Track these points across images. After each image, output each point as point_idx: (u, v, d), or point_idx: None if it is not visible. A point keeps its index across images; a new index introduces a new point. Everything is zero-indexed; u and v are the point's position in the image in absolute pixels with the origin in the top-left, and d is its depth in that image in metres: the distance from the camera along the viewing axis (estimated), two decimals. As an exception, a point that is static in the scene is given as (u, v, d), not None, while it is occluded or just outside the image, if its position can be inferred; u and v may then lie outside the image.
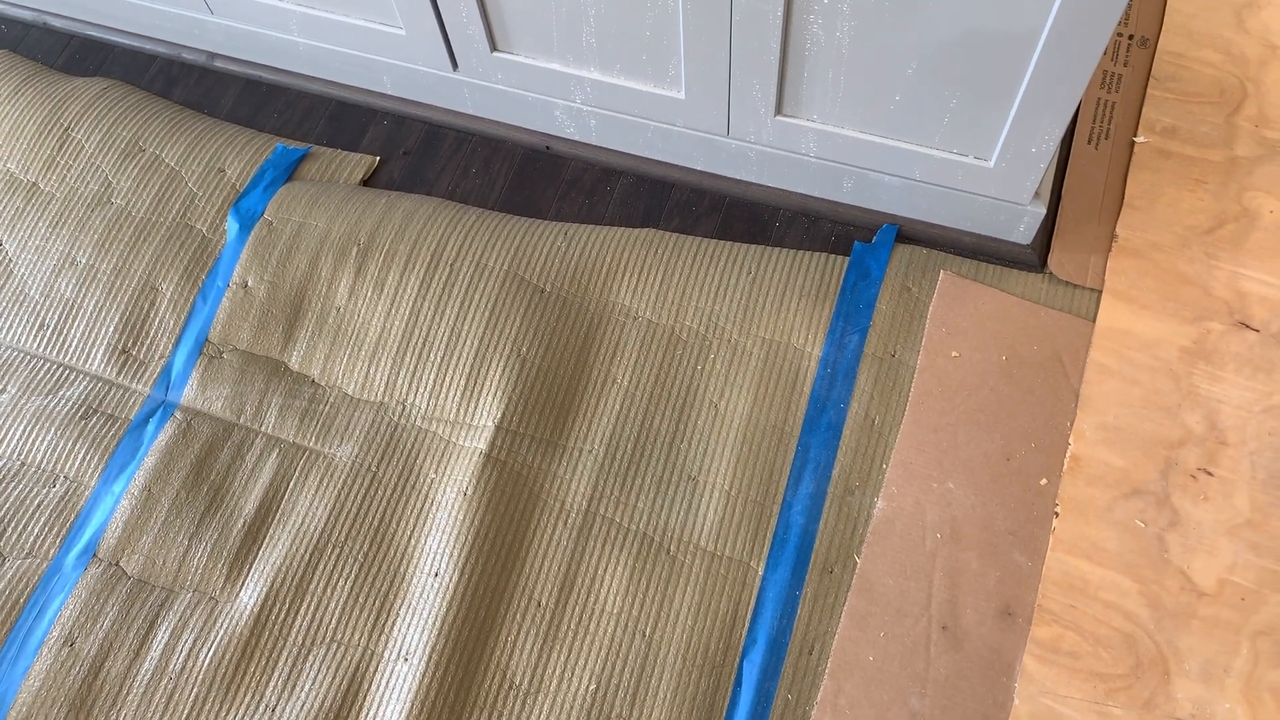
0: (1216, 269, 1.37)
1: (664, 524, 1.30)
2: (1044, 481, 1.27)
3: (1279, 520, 1.22)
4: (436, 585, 1.26)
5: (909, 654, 1.20)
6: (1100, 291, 1.37)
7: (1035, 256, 1.40)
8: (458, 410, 1.37)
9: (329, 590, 1.28)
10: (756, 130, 1.38)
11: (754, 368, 1.37)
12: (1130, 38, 1.55)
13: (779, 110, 1.33)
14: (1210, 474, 1.25)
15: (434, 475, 1.33)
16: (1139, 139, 1.47)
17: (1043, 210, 1.34)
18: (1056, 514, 1.25)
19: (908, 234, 1.44)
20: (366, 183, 1.59)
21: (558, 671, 1.23)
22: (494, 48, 1.43)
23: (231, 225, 1.52)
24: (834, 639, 1.22)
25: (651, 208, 1.52)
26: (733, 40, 1.23)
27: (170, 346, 1.45)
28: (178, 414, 1.40)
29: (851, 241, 1.45)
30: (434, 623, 1.24)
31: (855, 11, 1.15)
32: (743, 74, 1.28)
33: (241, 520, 1.33)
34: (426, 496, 1.32)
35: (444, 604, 1.25)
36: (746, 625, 1.24)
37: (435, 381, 1.39)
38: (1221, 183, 1.42)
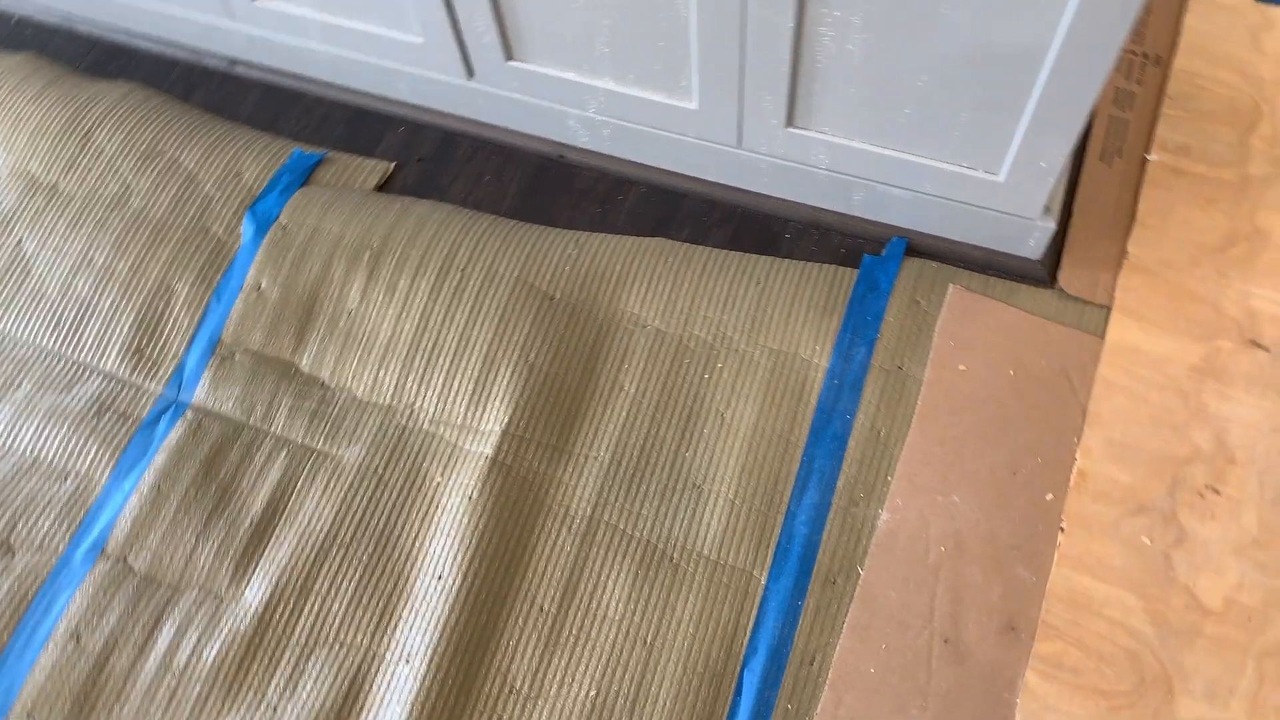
0: (1227, 288, 1.36)
1: (668, 531, 1.30)
2: (1050, 497, 1.26)
3: (1287, 540, 1.21)
4: (440, 588, 1.27)
5: (910, 667, 1.19)
6: (1110, 308, 1.37)
7: (1045, 272, 1.40)
8: (465, 415, 1.38)
9: (333, 591, 1.29)
10: (768, 141, 1.39)
11: (761, 378, 1.37)
12: (1144, 56, 1.55)
13: (790, 122, 1.34)
14: (1218, 492, 1.24)
15: (440, 479, 1.34)
16: (1152, 157, 1.46)
17: (1053, 225, 1.34)
18: (1062, 529, 1.24)
19: (917, 247, 1.45)
20: (381, 188, 1.60)
21: (558, 677, 1.23)
22: (509, 56, 1.44)
23: (247, 228, 1.53)
24: (835, 650, 1.21)
25: (663, 218, 1.53)
26: (745, 52, 1.24)
27: (183, 347, 1.47)
28: (189, 413, 1.42)
29: (861, 254, 1.46)
30: (436, 625, 1.24)
31: (867, 24, 1.16)
32: (755, 85, 1.29)
33: (249, 519, 1.34)
34: (432, 500, 1.33)
35: (446, 607, 1.25)
36: (748, 634, 1.23)
37: (443, 386, 1.40)
38: (1234, 202, 1.42)
